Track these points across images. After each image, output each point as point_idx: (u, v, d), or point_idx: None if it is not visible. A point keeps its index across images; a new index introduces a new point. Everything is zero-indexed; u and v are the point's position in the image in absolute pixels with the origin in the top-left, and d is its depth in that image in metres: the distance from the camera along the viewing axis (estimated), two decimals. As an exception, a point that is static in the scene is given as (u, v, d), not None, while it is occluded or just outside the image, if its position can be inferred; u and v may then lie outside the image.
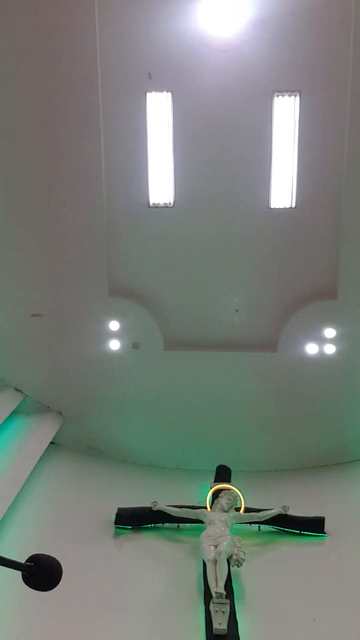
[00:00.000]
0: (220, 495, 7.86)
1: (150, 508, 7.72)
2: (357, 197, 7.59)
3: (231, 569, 6.69)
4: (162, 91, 7.43)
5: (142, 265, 8.36)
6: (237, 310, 8.55)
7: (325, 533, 7.64)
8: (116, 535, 7.63)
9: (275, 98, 7.41)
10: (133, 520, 7.74)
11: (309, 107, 7.40)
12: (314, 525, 7.67)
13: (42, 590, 2.80)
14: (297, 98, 7.39)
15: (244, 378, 8.72)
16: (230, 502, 7.73)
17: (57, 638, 5.76)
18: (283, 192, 7.87)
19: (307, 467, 9.08)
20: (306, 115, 7.44)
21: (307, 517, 7.72)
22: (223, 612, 5.94)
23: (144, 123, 7.57)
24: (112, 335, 8.55)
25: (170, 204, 8.01)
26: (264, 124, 7.51)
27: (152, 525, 7.81)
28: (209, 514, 7.54)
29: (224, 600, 6.05)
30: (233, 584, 6.62)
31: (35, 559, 2.77)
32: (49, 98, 7.24)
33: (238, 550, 6.86)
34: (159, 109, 7.53)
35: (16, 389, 8.80)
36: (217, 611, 5.94)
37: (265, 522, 7.70)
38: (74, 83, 7.17)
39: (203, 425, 8.99)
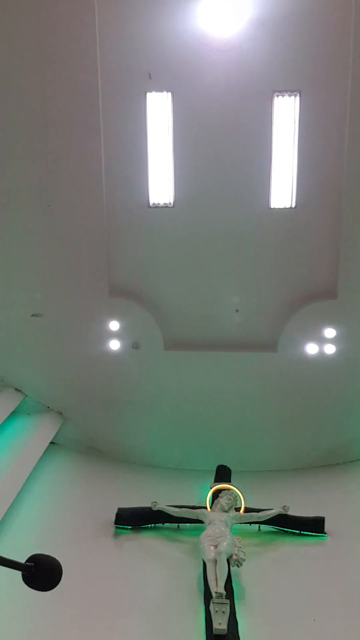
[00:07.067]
0: (220, 495, 7.85)
1: (150, 508, 7.71)
2: (358, 197, 7.58)
3: (231, 569, 6.68)
4: (162, 91, 7.44)
5: (142, 265, 8.36)
6: (237, 310, 8.55)
7: (325, 533, 7.64)
8: (116, 535, 7.63)
9: (275, 98, 7.42)
10: (133, 520, 7.74)
11: (309, 107, 7.41)
12: (314, 525, 7.67)
13: (42, 590, 2.80)
14: (297, 98, 7.40)
15: (244, 378, 8.72)
16: (230, 502, 7.72)
17: (57, 638, 5.76)
18: (283, 192, 7.87)
19: (307, 467, 9.09)
20: (306, 115, 7.45)
21: (307, 517, 7.72)
22: (223, 612, 5.92)
23: (144, 123, 7.58)
24: (112, 335, 8.55)
25: (170, 204, 8.01)
26: (264, 123, 7.52)
27: (152, 525, 7.80)
28: (209, 514, 7.54)
29: (224, 600, 6.04)
30: (233, 584, 6.62)
31: (35, 559, 2.78)
32: (49, 98, 7.24)
33: (238, 550, 6.85)
34: (159, 109, 7.53)
35: (16, 389, 8.81)
36: (217, 611, 5.93)
37: (265, 522, 7.70)
38: (74, 83, 7.18)
39: (203, 425, 9.00)
